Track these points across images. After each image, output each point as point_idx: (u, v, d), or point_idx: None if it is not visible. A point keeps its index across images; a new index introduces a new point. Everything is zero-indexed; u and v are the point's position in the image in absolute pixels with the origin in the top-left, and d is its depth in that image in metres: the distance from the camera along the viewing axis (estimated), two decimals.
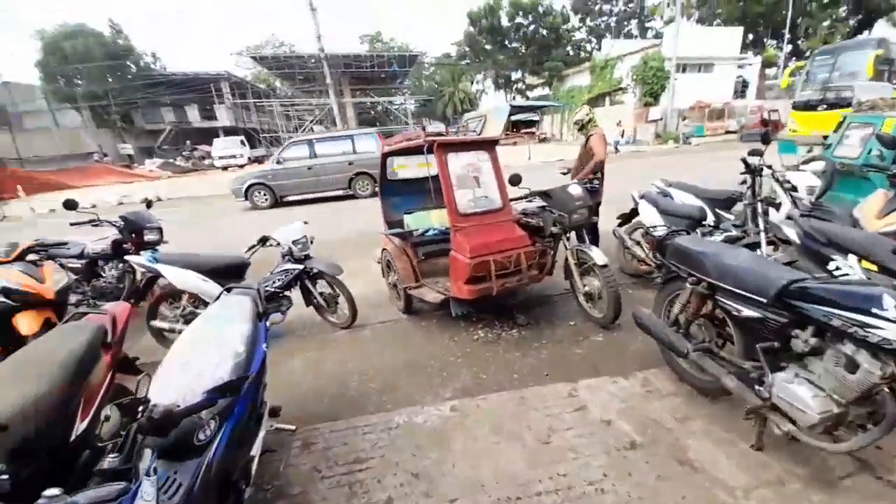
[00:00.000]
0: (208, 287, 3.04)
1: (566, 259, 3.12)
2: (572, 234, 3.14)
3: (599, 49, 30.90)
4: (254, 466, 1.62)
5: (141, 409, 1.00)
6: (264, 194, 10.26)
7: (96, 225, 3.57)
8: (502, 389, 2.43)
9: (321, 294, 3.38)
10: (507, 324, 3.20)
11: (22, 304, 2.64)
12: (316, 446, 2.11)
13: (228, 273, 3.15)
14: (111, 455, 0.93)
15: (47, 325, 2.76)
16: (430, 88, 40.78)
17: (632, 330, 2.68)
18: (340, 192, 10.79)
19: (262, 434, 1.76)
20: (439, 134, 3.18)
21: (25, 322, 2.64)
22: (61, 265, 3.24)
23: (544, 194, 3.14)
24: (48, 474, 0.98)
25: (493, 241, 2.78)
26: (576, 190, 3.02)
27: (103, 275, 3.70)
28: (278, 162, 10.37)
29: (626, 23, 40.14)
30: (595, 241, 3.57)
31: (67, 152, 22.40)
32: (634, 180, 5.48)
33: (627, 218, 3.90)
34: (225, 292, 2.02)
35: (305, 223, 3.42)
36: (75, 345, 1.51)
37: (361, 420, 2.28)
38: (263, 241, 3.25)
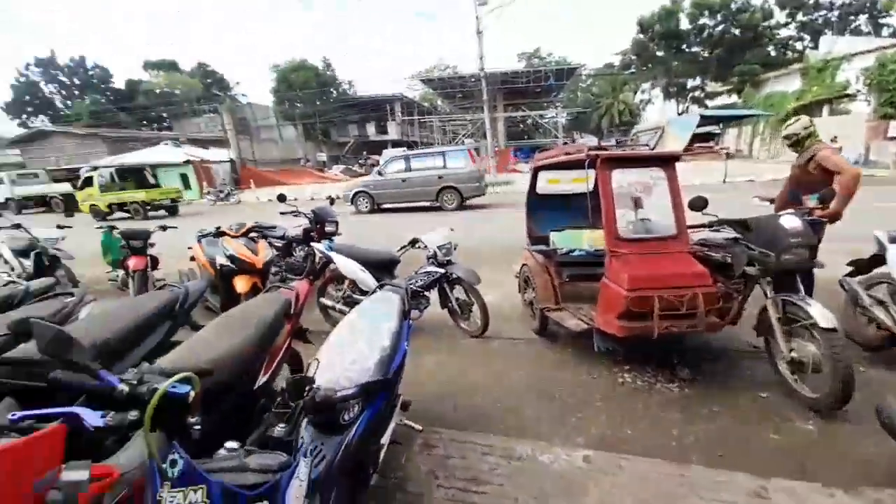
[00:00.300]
0: (365, 277, 3.42)
1: (763, 310, 2.40)
2: (776, 279, 2.40)
3: (816, 47, 24.42)
4: (382, 454, 1.68)
5: (308, 388, 1.10)
6: (365, 201, 11.44)
7: (296, 215, 4.44)
8: (654, 456, 1.99)
9: (457, 300, 3.44)
10: (664, 374, 2.66)
11: (240, 269, 3.44)
12: (436, 451, 2.09)
13: (382, 267, 3.49)
14: (280, 425, 1.03)
15: (254, 289, 3.52)
16: (585, 100, 38.95)
17: (864, 424, 1.91)
18: (427, 204, 11.33)
19: (392, 425, 1.83)
20: (601, 147, 2.88)
21: (240, 283, 3.43)
22: (269, 244, 4.12)
23: (740, 224, 2.48)
24: (227, 427, 1.16)
25: (660, 274, 2.33)
26: (792, 222, 2.28)
27: (294, 254, 4.57)
28: (379, 173, 11.52)
29: (852, 17, 30.85)
30: (809, 290, 2.67)
31: (284, 157, 29.30)
32: (867, 214, 4.01)
33: (866, 266, 2.83)
34: (379, 288, 2.19)
35: (452, 230, 3.55)
36: (269, 312, 1.83)
37: (482, 438, 2.17)
38: (413, 242, 3.49)
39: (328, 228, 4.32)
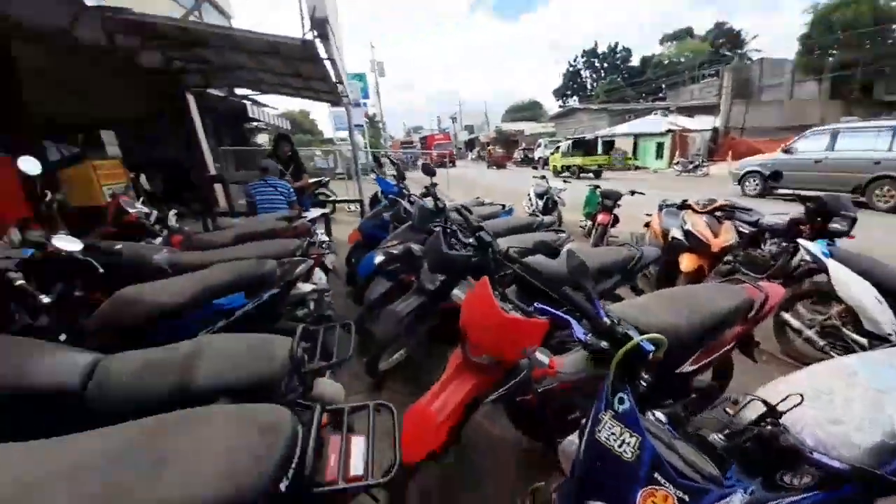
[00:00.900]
0: (879, 313, 2.21)
1: None
2: None
3: None
4: None
5: (769, 420, 0.91)
6: (756, 182, 10.16)
7: (790, 200, 3.48)
8: None
9: None
10: None
11: (691, 247, 3.23)
12: None
13: None
14: (718, 434, 0.94)
15: (698, 271, 3.24)
16: None
17: None
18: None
19: None
20: None
21: (686, 261, 3.25)
22: (736, 227, 3.54)
23: None
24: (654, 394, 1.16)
25: None
26: None
27: (763, 247, 3.68)
28: (786, 151, 9.81)
29: None
30: None
31: (786, 124, 23.12)
32: None
33: None
34: None
35: None
36: (724, 304, 1.59)
37: None
38: None
39: (834, 226, 3.07)
